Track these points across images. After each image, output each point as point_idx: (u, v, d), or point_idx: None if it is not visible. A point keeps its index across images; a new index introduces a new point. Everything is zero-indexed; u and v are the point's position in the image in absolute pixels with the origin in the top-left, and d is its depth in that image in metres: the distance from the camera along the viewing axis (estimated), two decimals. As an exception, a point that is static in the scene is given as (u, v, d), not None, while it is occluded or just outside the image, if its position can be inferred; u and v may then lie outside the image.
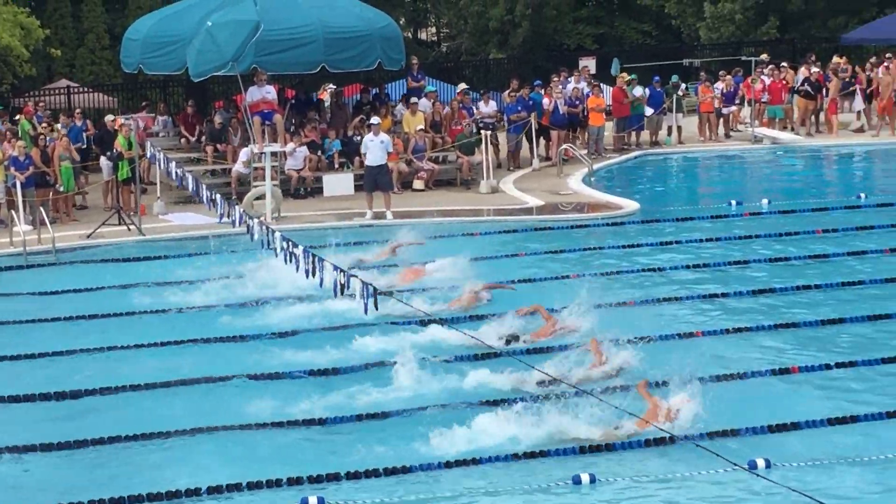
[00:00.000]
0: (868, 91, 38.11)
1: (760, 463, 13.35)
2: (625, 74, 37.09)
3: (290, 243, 17.19)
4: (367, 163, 27.63)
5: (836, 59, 40.24)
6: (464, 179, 31.34)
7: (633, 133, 36.60)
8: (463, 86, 35.48)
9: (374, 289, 15.21)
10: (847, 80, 38.76)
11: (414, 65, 35.35)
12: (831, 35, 47.14)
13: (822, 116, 38.60)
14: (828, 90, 37.77)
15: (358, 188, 28.98)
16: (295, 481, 13.28)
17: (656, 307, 19.86)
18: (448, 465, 13.67)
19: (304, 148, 30.24)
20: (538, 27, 49.71)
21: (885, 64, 37.94)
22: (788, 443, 14.15)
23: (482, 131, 31.26)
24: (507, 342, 17.84)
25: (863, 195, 28.59)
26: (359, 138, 29.70)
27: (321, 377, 16.79)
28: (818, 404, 15.14)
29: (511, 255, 23.63)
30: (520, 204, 28.70)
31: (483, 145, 30.82)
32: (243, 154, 29.53)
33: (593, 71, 39.52)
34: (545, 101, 34.50)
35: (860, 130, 38.31)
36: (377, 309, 15.31)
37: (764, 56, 40.79)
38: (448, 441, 14.20)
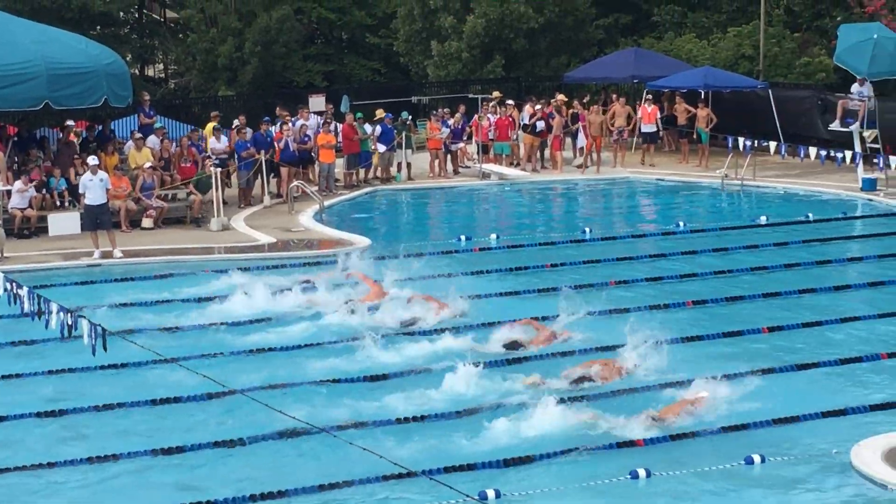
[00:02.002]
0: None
1: (490, 494, 13.60)
2: (381, 111, 37.46)
3: (14, 284, 16.63)
4: (87, 202, 27.04)
5: (559, 96, 41.37)
6: (194, 217, 30.96)
7: (364, 170, 36.82)
8: (239, 122, 34.96)
9: (104, 329, 14.83)
10: (569, 117, 39.92)
11: (145, 101, 34.82)
12: (554, 74, 48.43)
13: (547, 153, 39.61)
14: (552, 127, 38.78)
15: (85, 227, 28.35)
16: None
17: (388, 339, 20.01)
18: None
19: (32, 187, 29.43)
20: (267, 64, 49.58)
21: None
22: (523, 475, 14.45)
23: (212, 168, 30.95)
24: (509, 348, 19.33)
25: (588, 229, 29.42)
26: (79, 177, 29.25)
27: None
28: (555, 436, 15.51)
29: (243, 292, 23.37)
30: (251, 241, 28.49)
31: (213, 182, 30.52)
32: (-38, 193, 28.53)
33: (322, 108, 39.60)
34: (277, 138, 34.41)
35: (583, 166, 39.43)
36: (106, 350, 14.91)
37: (497, 94, 41.60)
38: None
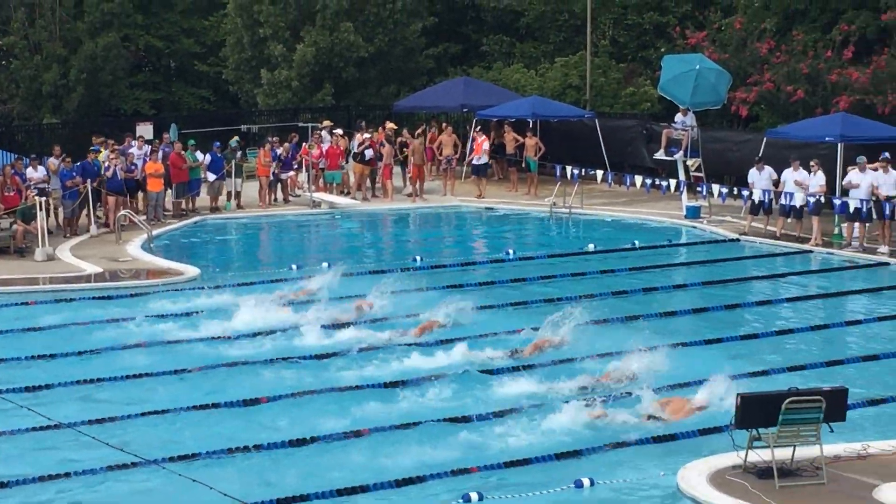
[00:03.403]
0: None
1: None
2: (235, 138, 37.23)
3: None
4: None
5: (389, 125, 41.47)
6: (18, 247, 30.26)
7: (192, 199, 36.40)
8: (171, 136, 34.29)
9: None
10: (398, 146, 40.04)
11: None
12: (384, 102, 48.59)
13: (378, 181, 39.65)
14: (382, 156, 38.84)
15: None
16: None
17: (221, 371, 19.90)
18: None
19: None
20: (93, 92, 48.87)
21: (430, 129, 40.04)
22: None
23: (35, 197, 30.32)
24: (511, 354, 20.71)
25: (419, 258, 29.50)
26: None
27: None
28: (396, 467, 15.58)
29: (69, 323, 22.95)
30: (77, 271, 27.96)
31: (37, 212, 29.89)
32: None
33: (150, 136, 39.13)
34: (103, 166, 33.87)
35: (413, 195, 39.56)
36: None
37: (327, 122, 41.53)
38: None
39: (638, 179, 35.62)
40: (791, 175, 31.87)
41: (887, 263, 29.23)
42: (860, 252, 30.18)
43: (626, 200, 38.18)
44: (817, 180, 31.38)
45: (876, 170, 30.39)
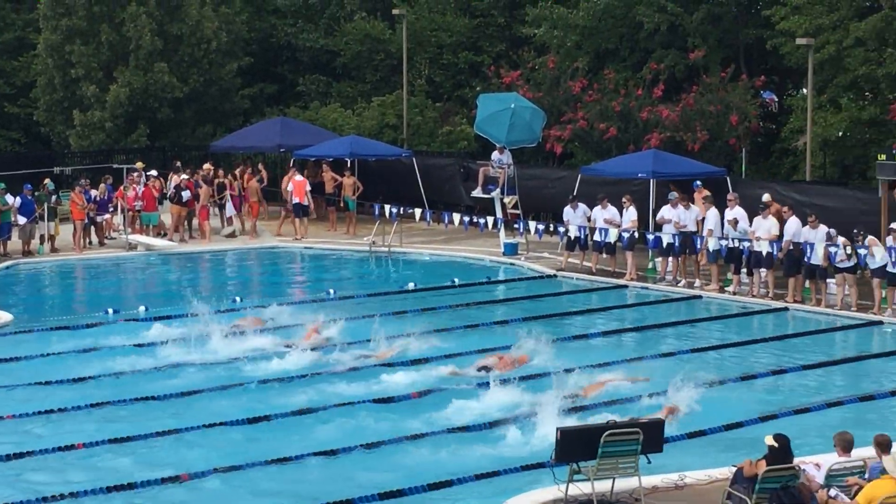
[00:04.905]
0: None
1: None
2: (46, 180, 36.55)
3: None
4: None
5: (206, 166, 41.14)
6: None
7: (2, 243, 35.54)
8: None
9: None
10: (216, 187, 39.72)
11: None
12: (200, 143, 48.20)
13: (195, 223, 39.25)
14: (199, 197, 38.49)
15: None
16: None
17: (44, 417, 19.49)
18: None
19: None
20: None
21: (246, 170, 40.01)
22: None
23: None
24: (480, 370, 22.13)
25: (238, 298, 29.28)
26: None
27: None
28: None
29: None
30: None
31: None
32: None
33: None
34: None
35: (233, 235, 39.29)
36: None
37: (140, 164, 41.02)
38: None
39: (456, 217, 35.88)
40: (600, 213, 32.47)
41: (700, 296, 29.95)
42: (674, 286, 30.86)
43: (444, 238, 38.45)
44: (629, 216, 32.02)
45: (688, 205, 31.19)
